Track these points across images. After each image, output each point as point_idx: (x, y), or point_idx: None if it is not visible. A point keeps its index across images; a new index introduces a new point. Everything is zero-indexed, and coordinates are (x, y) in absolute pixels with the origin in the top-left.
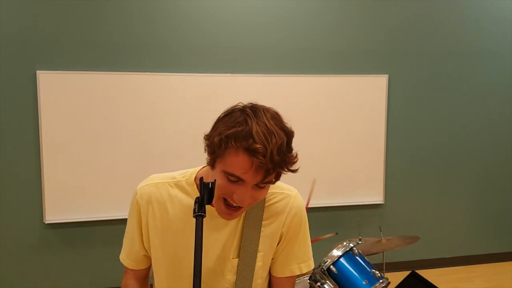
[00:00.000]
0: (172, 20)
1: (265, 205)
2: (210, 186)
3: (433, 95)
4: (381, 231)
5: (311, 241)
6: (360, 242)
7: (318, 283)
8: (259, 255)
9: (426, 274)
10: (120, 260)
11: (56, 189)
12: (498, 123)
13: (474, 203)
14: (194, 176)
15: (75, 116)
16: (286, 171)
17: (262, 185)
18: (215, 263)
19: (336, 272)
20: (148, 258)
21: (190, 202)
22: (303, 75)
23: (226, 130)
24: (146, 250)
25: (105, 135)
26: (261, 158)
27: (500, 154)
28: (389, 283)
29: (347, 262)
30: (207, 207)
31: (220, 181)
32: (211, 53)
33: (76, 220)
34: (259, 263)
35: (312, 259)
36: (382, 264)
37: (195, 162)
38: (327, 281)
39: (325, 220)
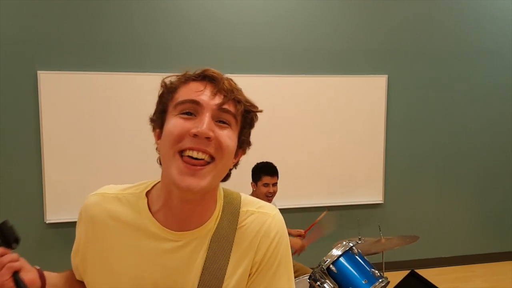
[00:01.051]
0: (172, 20)
1: (238, 226)
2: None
3: (433, 95)
4: (380, 231)
5: (307, 229)
6: (359, 242)
7: (318, 283)
8: (228, 285)
9: (426, 273)
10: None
11: (56, 189)
12: (498, 123)
13: (473, 203)
14: (147, 190)
15: (75, 116)
16: (249, 105)
17: (223, 117)
18: None
19: (335, 271)
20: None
21: (134, 220)
22: (303, 75)
23: (171, 77)
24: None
25: (105, 135)
26: (214, 76)
27: (500, 154)
28: (388, 282)
29: (347, 262)
30: (154, 226)
31: (173, 125)
32: (211, 53)
33: (76, 220)
34: None
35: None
36: (382, 263)
37: None
38: (327, 281)
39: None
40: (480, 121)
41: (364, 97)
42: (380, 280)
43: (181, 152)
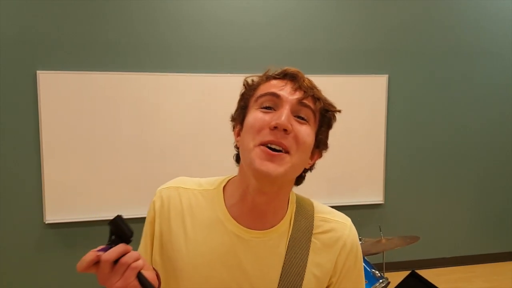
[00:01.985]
0: (172, 20)
1: (313, 232)
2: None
3: (433, 95)
4: (381, 231)
5: None
6: (360, 242)
7: None
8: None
9: (426, 274)
10: None
11: (56, 189)
12: (498, 123)
13: (474, 203)
14: (223, 185)
15: (75, 116)
16: (327, 103)
17: (302, 114)
18: None
19: None
20: None
21: (213, 216)
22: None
23: (253, 76)
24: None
25: (105, 135)
26: (295, 73)
27: (500, 154)
28: (389, 283)
29: None
30: (229, 222)
31: (254, 117)
32: (211, 53)
33: (76, 220)
34: None
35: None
36: (382, 264)
37: (195, 162)
38: None
39: None
40: (480, 121)
41: (364, 97)
42: (381, 281)
43: (261, 145)
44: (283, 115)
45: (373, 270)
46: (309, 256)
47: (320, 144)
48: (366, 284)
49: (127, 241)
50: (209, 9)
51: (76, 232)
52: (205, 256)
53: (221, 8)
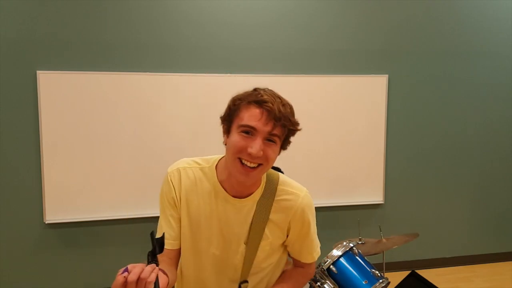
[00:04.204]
0: (172, 20)
1: (275, 199)
2: (161, 239)
3: (433, 95)
4: (381, 231)
5: None
6: (360, 242)
7: (318, 283)
8: (267, 241)
9: (426, 274)
10: (168, 247)
11: (56, 189)
12: (498, 123)
13: (474, 203)
14: (215, 164)
15: (75, 116)
16: (292, 127)
17: (272, 138)
18: (227, 246)
19: (336, 272)
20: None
21: (210, 187)
22: (303, 75)
23: (238, 97)
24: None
25: (105, 135)
26: (269, 105)
27: (500, 154)
28: (389, 283)
29: (347, 262)
30: (223, 194)
31: (235, 139)
32: (211, 53)
33: (76, 220)
34: (265, 248)
35: (318, 242)
36: (382, 264)
37: None
38: (327, 281)
39: (325, 220)
40: (480, 121)
41: (364, 97)
42: (381, 281)
43: (239, 158)
44: (257, 146)
45: (373, 270)
46: (270, 215)
47: (284, 147)
48: (366, 284)
49: (156, 256)
50: (209, 9)
51: (76, 232)
52: (207, 214)
53: (221, 8)
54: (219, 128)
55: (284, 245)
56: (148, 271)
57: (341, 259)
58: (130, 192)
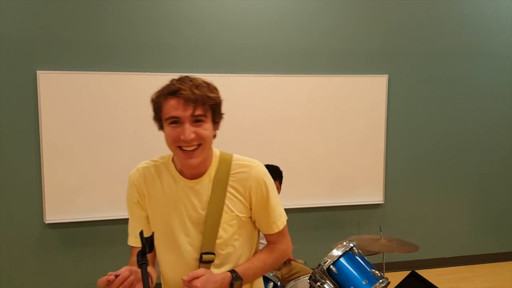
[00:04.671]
0: (172, 20)
1: (231, 173)
2: (150, 238)
3: (433, 95)
4: (381, 231)
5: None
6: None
7: (318, 283)
8: (231, 215)
9: (426, 274)
10: (129, 243)
11: (56, 189)
12: (498, 123)
13: (474, 203)
14: (171, 158)
15: (75, 116)
16: (212, 102)
17: (198, 118)
18: (189, 221)
19: (336, 272)
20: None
21: (170, 178)
22: (303, 75)
23: (156, 94)
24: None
25: (105, 135)
26: (183, 92)
27: (500, 154)
28: (389, 283)
29: (347, 262)
30: (182, 179)
31: (167, 131)
32: (211, 53)
33: (76, 220)
34: (232, 222)
35: (284, 213)
36: (382, 264)
37: None
38: (327, 281)
39: (325, 220)
40: (480, 121)
41: (364, 97)
42: (381, 281)
43: (179, 147)
44: (186, 132)
45: (373, 270)
46: (228, 188)
47: (217, 120)
48: (366, 284)
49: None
50: (209, 9)
51: (76, 232)
52: (170, 200)
53: (221, 8)
54: (219, 128)
55: (252, 221)
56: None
57: (341, 259)
58: None
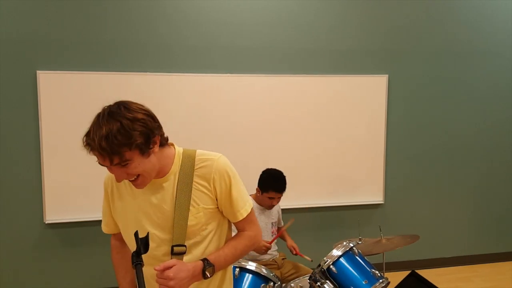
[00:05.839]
0: (172, 21)
1: (195, 168)
2: (145, 239)
3: (433, 95)
4: (381, 231)
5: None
6: (360, 242)
7: (318, 283)
8: (198, 208)
9: (426, 274)
10: (102, 229)
11: (56, 189)
12: (498, 123)
13: (474, 203)
14: None
15: (75, 116)
16: (126, 149)
17: (121, 164)
18: (157, 217)
19: (336, 272)
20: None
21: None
22: (303, 75)
23: (83, 140)
24: (114, 219)
25: None
26: (94, 150)
27: (500, 154)
28: (389, 283)
29: (347, 262)
30: (151, 182)
31: (108, 171)
32: (211, 53)
33: (76, 220)
34: (199, 214)
35: (248, 201)
36: (382, 264)
37: None
38: (327, 281)
39: (325, 220)
40: (480, 121)
41: (364, 97)
42: (381, 281)
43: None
44: (116, 178)
45: (373, 270)
46: (193, 183)
47: (145, 151)
48: (366, 284)
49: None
50: (209, 9)
51: (76, 232)
52: (138, 198)
53: (221, 9)
54: (218, 128)
55: (220, 211)
56: None
57: (341, 259)
58: None
